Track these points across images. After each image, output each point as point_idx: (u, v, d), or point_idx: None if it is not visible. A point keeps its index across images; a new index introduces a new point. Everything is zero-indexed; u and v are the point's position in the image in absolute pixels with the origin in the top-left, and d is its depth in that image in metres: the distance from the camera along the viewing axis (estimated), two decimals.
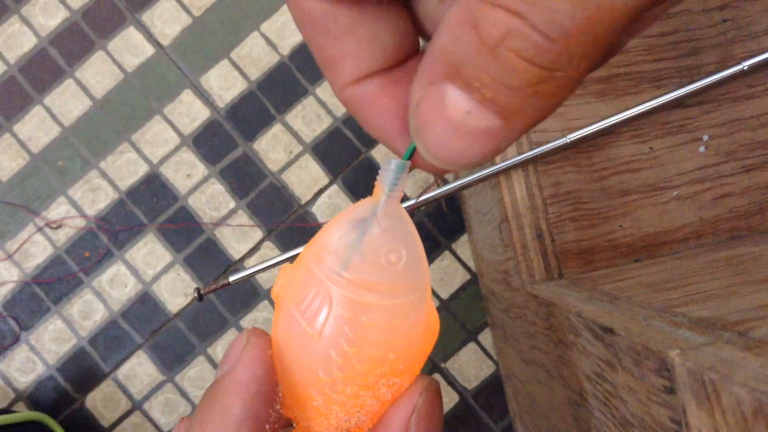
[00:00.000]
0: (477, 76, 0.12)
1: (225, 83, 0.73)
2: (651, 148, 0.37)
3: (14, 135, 0.73)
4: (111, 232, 0.71)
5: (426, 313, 0.18)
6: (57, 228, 0.71)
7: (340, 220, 0.18)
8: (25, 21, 0.74)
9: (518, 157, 0.35)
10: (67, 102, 0.73)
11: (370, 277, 0.17)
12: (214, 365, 0.71)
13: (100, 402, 0.70)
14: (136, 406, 0.70)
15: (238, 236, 0.71)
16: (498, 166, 0.36)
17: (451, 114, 0.13)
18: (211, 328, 0.71)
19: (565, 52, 0.11)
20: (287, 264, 0.19)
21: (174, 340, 0.71)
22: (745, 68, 0.35)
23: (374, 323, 0.17)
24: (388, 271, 0.17)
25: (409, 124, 0.15)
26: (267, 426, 0.17)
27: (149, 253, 0.71)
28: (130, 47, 0.73)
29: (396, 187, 0.17)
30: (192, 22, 0.74)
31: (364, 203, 0.18)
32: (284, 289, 0.18)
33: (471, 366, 0.69)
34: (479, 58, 0.12)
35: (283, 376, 0.18)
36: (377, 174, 0.18)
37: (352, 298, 0.17)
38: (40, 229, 0.71)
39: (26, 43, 0.73)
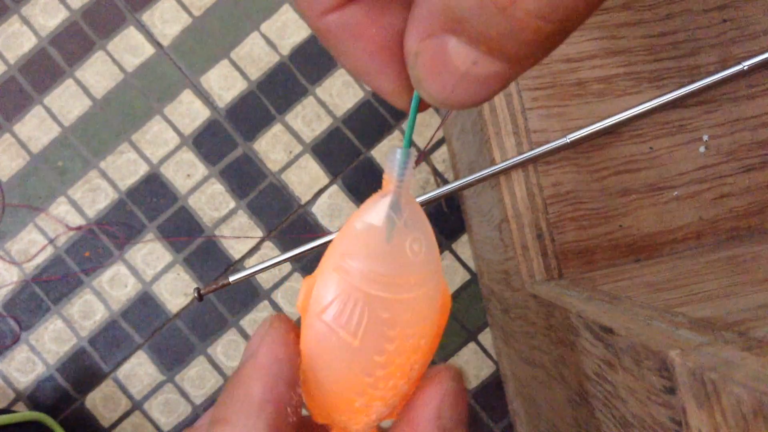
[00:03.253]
0: (484, 32, 0.12)
1: (225, 83, 0.73)
2: (651, 148, 0.37)
3: (14, 135, 0.73)
4: (119, 242, 0.71)
5: (442, 292, 0.18)
6: (77, 230, 0.71)
7: (356, 221, 0.17)
8: (25, 21, 0.74)
9: (518, 157, 0.35)
10: (67, 102, 0.73)
11: (398, 272, 0.17)
12: (214, 365, 0.71)
13: (100, 402, 0.70)
14: (136, 406, 0.70)
15: (238, 236, 0.71)
16: (498, 166, 0.36)
17: (455, 65, 0.13)
18: (211, 328, 0.71)
19: (582, 3, 0.11)
20: (308, 276, 0.18)
21: (174, 340, 0.71)
22: (745, 68, 0.35)
23: (409, 316, 0.17)
24: (413, 262, 0.17)
25: (393, 62, 0.14)
26: (289, 408, 0.17)
27: (149, 253, 0.71)
28: (130, 47, 0.73)
29: (405, 176, 0.17)
30: (192, 22, 0.74)
31: (376, 199, 0.17)
32: (308, 300, 0.18)
33: (471, 366, 0.69)
34: (487, 17, 0.11)
35: (320, 385, 0.18)
36: (383, 171, 0.17)
37: (386, 297, 0.16)
38: (51, 240, 0.71)
39: (26, 43, 0.73)
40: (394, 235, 0.17)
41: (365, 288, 0.16)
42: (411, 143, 0.17)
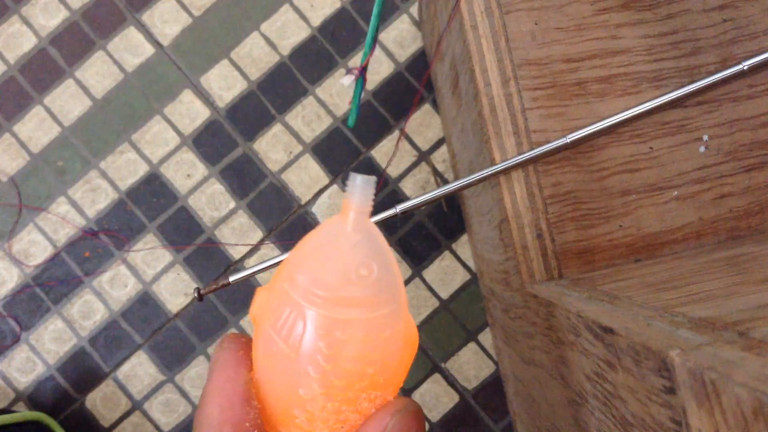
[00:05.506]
0: None
1: (225, 83, 0.73)
2: (651, 148, 0.37)
3: (14, 135, 0.73)
4: (119, 243, 0.71)
5: (403, 326, 0.18)
6: (78, 231, 0.71)
7: (310, 239, 0.18)
8: (25, 21, 0.74)
9: (518, 157, 0.35)
10: (67, 102, 0.73)
11: (341, 292, 0.17)
12: None
13: (100, 402, 0.70)
14: (136, 406, 0.70)
15: (238, 236, 0.71)
16: (498, 166, 0.36)
17: None
18: (211, 328, 0.71)
19: None
20: (263, 286, 0.19)
21: (174, 340, 0.71)
22: (745, 68, 0.35)
23: (349, 338, 0.17)
24: (360, 286, 0.17)
25: None
26: (248, 423, 0.17)
27: (149, 253, 0.71)
28: (130, 47, 0.73)
29: (363, 202, 0.17)
30: (192, 22, 0.74)
31: (333, 220, 0.18)
32: (260, 309, 0.18)
33: (471, 366, 0.69)
34: None
35: (265, 395, 0.18)
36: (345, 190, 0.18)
37: (325, 315, 0.17)
38: (53, 243, 0.71)
39: (26, 43, 0.73)
40: (342, 257, 0.17)
41: (306, 303, 0.17)
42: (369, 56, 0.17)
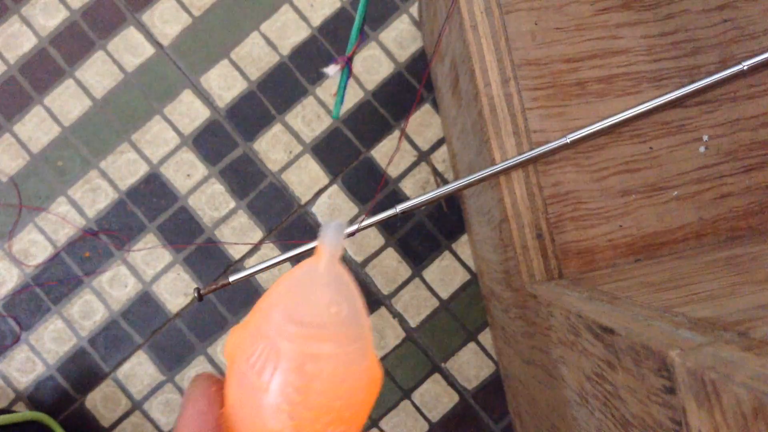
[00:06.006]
0: None
1: (225, 83, 0.73)
2: (651, 148, 0.37)
3: (14, 135, 0.73)
4: (125, 250, 0.71)
5: (368, 364, 0.19)
6: (78, 231, 0.71)
7: (284, 279, 0.19)
8: (25, 21, 0.74)
9: (518, 157, 0.35)
10: (67, 102, 0.73)
11: (313, 328, 0.18)
12: (214, 365, 0.71)
13: (100, 402, 0.70)
14: (136, 406, 0.70)
15: (238, 236, 0.71)
16: (498, 167, 0.36)
17: None
18: (211, 328, 0.71)
19: None
20: (237, 325, 0.20)
21: (174, 340, 0.71)
22: (745, 68, 0.35)
23: (319, 371, 0.18)
24: (330, 322, 0.18)
25: None
26: None
27: (149, 253, 0.71)
28: (130, 47, 0.73)
29: (335, 247, 0.19)
30: (192, 22, 0.74)
31: (307, 263, 0.19)
32: (235, 348, 0.19)
33: (471, 366, 0.69)
34: None
35: (236, 428, 0.19)
36: (320, 234, 0.19)
37: (297, 349, 0.18)
38: (54, 243, 0.71)
39: (26, 43, 0.73)
40: (315, 296, 0.19)
41: (278, 338, 0.18)
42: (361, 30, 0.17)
